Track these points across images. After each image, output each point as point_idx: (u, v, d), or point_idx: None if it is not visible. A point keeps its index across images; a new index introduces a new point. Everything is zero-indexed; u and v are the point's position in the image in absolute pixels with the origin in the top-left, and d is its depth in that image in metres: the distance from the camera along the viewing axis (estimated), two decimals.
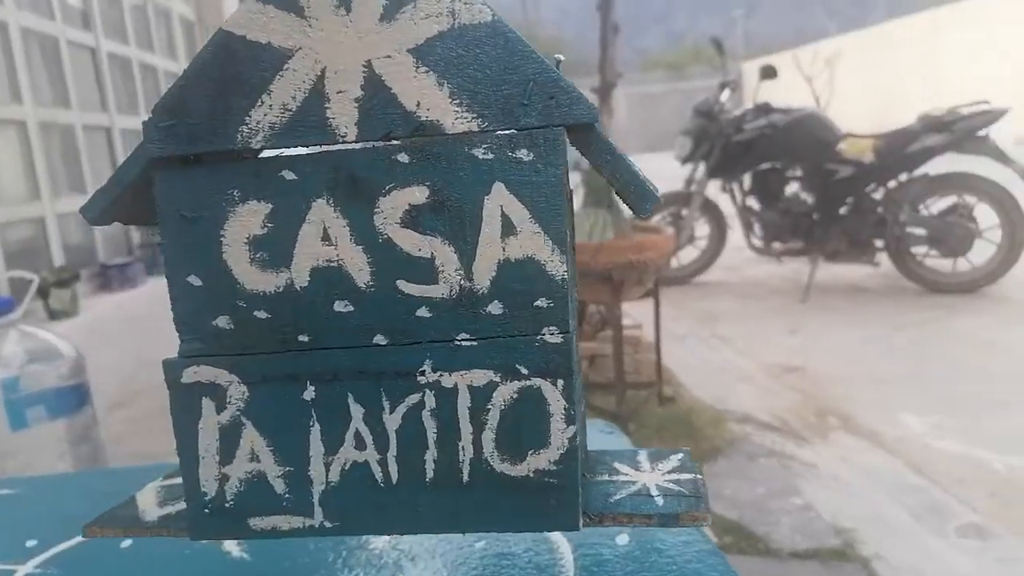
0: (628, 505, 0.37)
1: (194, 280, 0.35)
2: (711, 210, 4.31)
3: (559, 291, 0.34)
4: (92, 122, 3.06)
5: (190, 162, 0.35)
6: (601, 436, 0.67)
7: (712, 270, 4.50)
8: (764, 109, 4.09)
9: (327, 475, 0.36)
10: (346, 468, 0.36)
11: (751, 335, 3.41)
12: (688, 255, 4.44)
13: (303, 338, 0.35)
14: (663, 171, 5.28)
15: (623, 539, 0.50)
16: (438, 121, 0.33)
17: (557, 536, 0.50)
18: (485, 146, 0.33)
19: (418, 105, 0.33)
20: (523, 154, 0.33)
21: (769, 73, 4.01)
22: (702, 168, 4.16)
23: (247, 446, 0.36)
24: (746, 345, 3.27)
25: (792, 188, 4.14)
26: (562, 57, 0.34)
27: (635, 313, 2.91)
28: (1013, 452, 2.06)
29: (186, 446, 0.36)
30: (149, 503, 0.42)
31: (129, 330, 2.78)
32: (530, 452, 0.35)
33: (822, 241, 3.90)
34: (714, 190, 4.31)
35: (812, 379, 2.81)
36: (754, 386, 2.80)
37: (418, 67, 0.33)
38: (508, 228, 0.33)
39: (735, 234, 4.41)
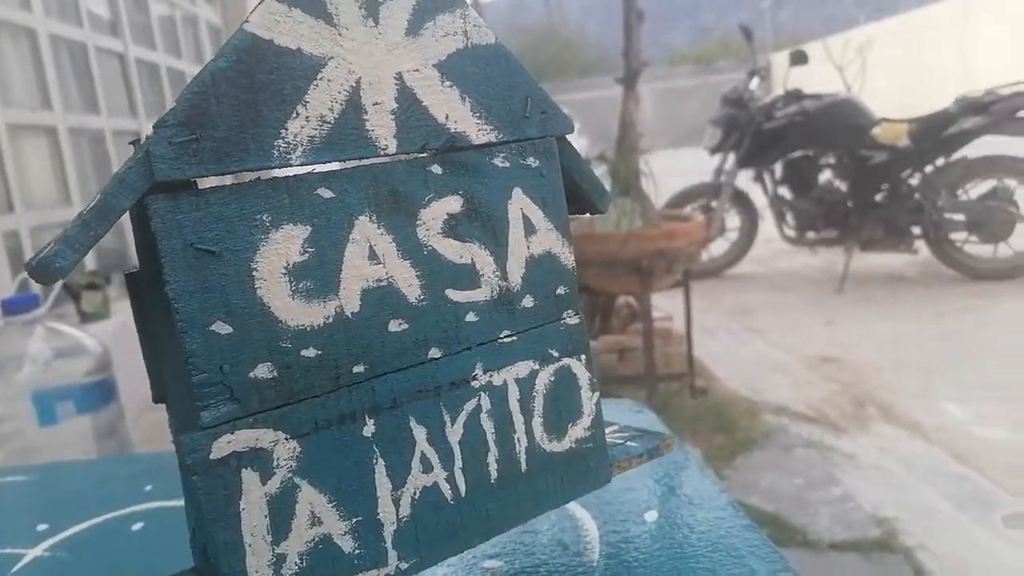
0: (619, 452, 0.41)
1: (220, 328, 0.29)
2: (742, 201, 4.23)
3: (571, 278, 0.38)
4: (121, 127, 3.09)
5: (196, 186, 0.29)
6: (631, 415, 0.64)
7: (743, 263, 4.43)
8: (795, 96, 4.02)
9: (398, 511, 0.33)
10: (416, 497, 0.33)
11: (785, 327, 3.34)
12: (718, 247, 4.37)
13: (358, 368, 0.32)
14: (691, 167, 5.25)
15: (652, 515, 0.47)
16: (465, 132, 0.35)
17: (582, 513, 0.48)
18: (503, 155, 0.36)
19: (447, 117, 0.34)
20: (531, 161, 0.37)
21: (799, 59, 3.93)
22: (732, 158, 4.09)
23: (305, 511, 0.31)
24: (780, 337, 3.21)
25: (825, 176, 4.07)
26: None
27: (664, 306, 2.87)
28: None
29: (224, 538, 0.29)
30: None
31: None
32: (570, 425, 0.38)
33: (857, 229, 3.83)
34: (745, 181, 4.24)
35: (850, 369, 2.74)
36: (790, 377, 2.74)
37: (443, 81, 0.34)
38: (529, 227, 0.37)
39: (767, 225, 4.34)
